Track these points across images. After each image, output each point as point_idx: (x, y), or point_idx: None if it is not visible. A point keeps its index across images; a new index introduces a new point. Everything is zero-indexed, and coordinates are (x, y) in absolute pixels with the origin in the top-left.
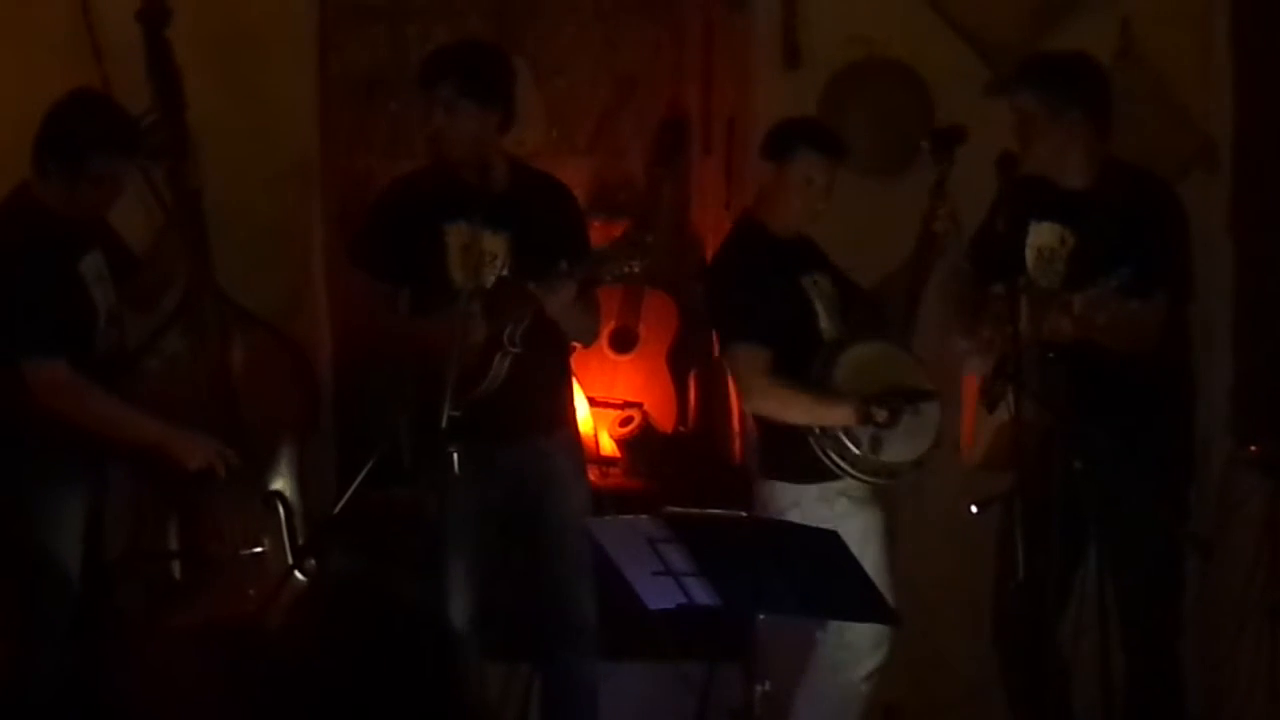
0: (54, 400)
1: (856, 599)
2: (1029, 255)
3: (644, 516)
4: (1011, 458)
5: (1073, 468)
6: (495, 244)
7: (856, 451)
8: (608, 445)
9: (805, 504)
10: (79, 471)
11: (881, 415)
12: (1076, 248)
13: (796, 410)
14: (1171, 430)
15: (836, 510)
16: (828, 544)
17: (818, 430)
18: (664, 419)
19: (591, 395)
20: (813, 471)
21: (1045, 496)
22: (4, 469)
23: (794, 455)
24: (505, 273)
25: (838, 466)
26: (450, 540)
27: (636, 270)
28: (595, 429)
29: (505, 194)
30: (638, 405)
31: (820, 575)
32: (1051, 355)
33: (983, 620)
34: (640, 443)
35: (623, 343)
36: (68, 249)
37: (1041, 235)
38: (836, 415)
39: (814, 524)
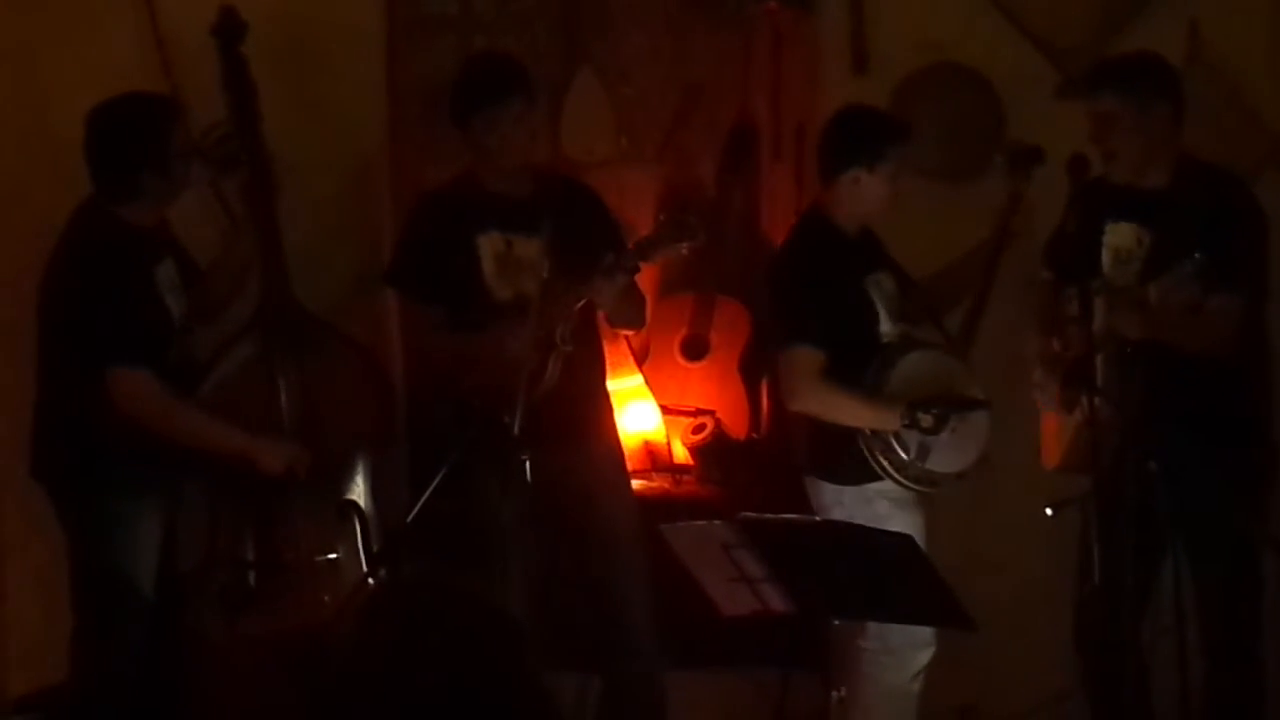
0: (138, 409)
1: (932, 603)
2: (1106, 256)
3: (718, 522)
4: (1088, 460)
5: (1148, 469)
6: (529, 249)
7: (904, 457)
8: (680, 453)
9: (847, 503)
10: (155, 485)
11: (927, 421)
12: (1153, 247)
13: (843, 411)
14: (1248, 431)
15: (878, 511)
16: (902, 548)
17: (868, 432)
18: (736, 426)
19: (664, 403)
20: (857, 472)
21: (1121, 499)
22: (80, 483)
23: (840, 455)
24: (546, 276)
25: (883, 469)
26: (508, 545)
27: (685, 253)
28: (668, 437)
29: (531, 199)
30: (710, 413)
31: (895, 580)
32: (1129, 350)
33: (1063, 624)
34: (713, 450)
35: (695, 350)
36: (144, 258)
37: (1119, 236)
38: (883, 419)
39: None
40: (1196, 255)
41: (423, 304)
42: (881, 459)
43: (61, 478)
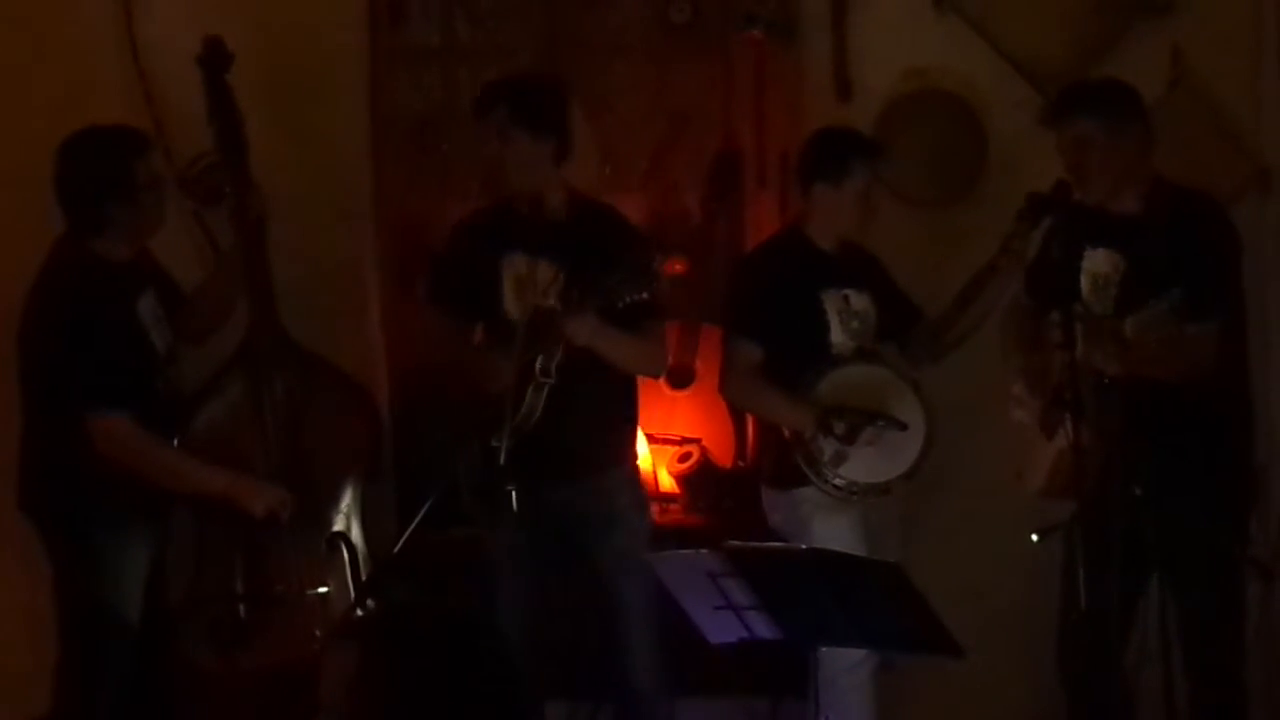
0: (116, 453)
1: (919, 632)
2: (1084, 282)
3: (704, 551)
4: (1071, 485)
5: (1132, 495)
6: (548, 274)
7: (820, 461)
8: (666, 481)
9: (781, 508)
10: (142, 518)
11: (840, 428)
12: (1129, 274)
13: (763, 404)
14: (1231, 455)
15: (802, 514)
16: (888, 576)
17: (794, 436)
18: (722, 454)
19: (650, 431)
20: (788, 477)
21: (1106, 524)
22: (67, 516)
23: (775, 461)
24: (553, 303)
25: (802, 471)
26: (502, 576)
27: (646, 298)
28: (654, 465)
29: (561, 225)
30: (696, 441)
31: (881, 608)
32: (1107, 381)
33: (1048, 650)
34: (699, 478)
35: (680, 379)
36: (125, 296)
37: (1096, 262)
38: (798, 418)
39: (788, 527)
40: (1173, 291)
41: (459, 322)
42: (802, 460)
43: (49, 510)
